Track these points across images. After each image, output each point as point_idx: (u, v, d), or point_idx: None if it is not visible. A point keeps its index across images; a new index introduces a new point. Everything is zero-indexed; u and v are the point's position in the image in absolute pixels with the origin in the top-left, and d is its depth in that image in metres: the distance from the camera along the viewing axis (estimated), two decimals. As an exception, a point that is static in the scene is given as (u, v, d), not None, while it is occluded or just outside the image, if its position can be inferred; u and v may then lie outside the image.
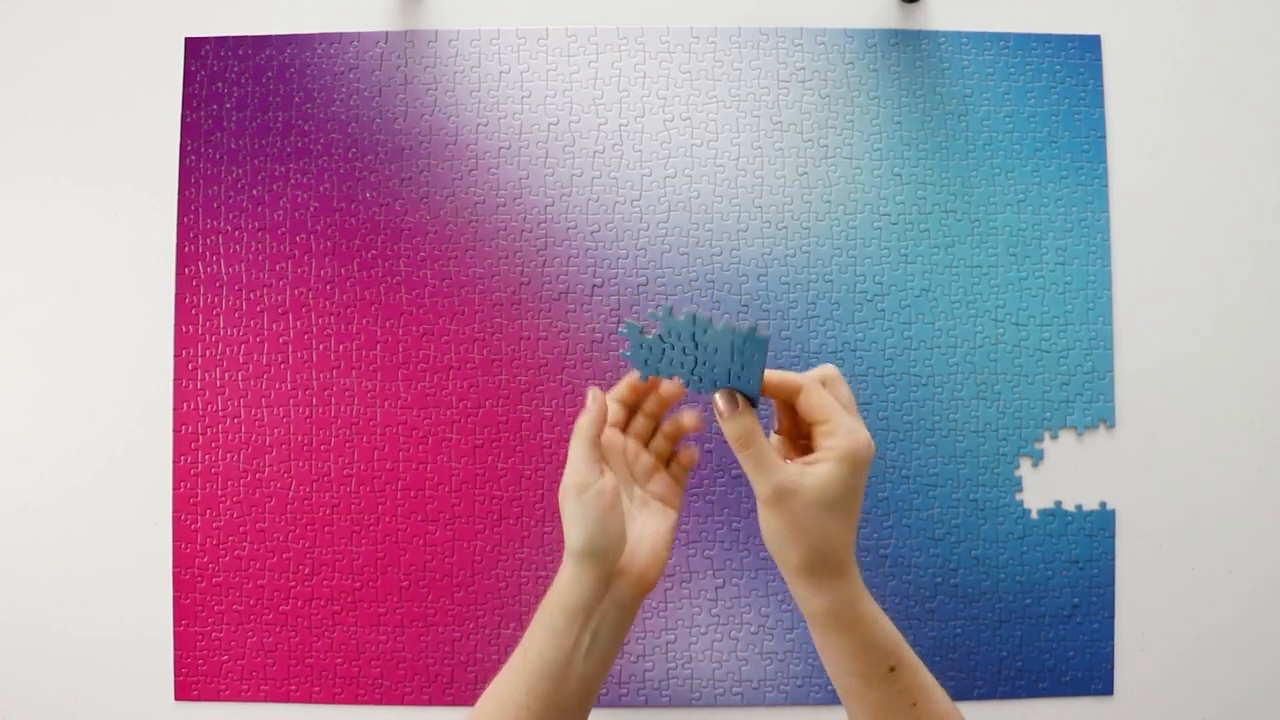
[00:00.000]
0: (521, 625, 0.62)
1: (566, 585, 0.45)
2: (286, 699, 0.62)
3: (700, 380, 0.43)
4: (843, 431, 0.42)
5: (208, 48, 0.64)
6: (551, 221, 0.63)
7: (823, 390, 0.43)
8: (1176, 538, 0.63)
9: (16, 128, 0.64)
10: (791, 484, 0.42)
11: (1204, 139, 0.64)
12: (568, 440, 0.62)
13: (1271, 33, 0.65)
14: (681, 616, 0.62)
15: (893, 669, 0.45)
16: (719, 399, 0.43)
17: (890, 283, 0.63)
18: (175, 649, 0.62)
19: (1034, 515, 0.62)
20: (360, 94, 0.64)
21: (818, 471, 0.42)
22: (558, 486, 0.62)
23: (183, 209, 0.64)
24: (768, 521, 0.43)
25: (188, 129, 0.64)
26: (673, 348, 0.43)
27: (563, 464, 0.62)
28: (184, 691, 0.62)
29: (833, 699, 0.62)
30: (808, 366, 0.62)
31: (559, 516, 0.62)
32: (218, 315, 0.63)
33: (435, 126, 0.64)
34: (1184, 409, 0.63)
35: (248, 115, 0.64)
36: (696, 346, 0.42)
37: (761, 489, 0.42)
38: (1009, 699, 0.62)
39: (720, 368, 0.43)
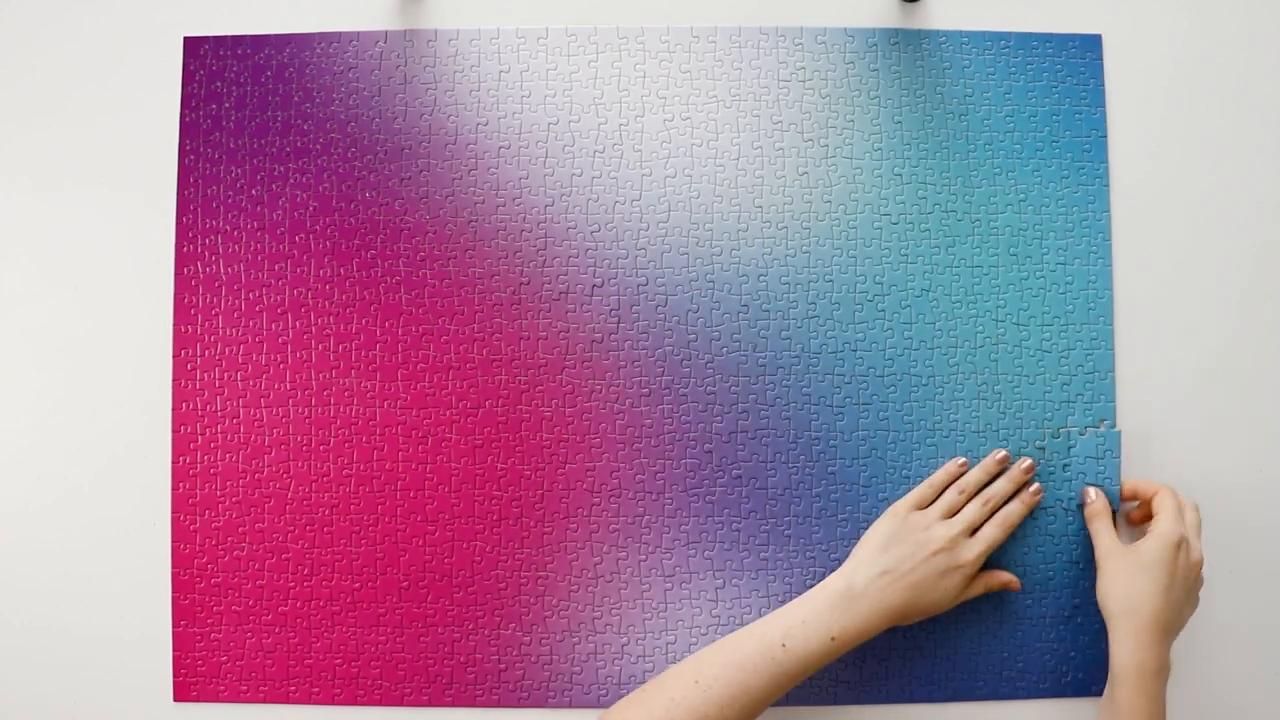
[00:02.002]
0: (522, 625, 0.62)
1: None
2: (286, 700, 0.62)
3: None
4: (1164, 520, 0.58)
5: (207, 47, 0.64)
6: (551, 221, 0.63)
7: (1171, 496, 0.59)
8: (1177, 538, 0.63)
9: (15, 127, 0.64)
10: (1114, 548, 0.59)
11: (1205, 139, 0.64)
12: (568, 440, 0.62)
13: (1272, 33, 0.65)
14: (681, 617, 0.62)
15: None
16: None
17: (890, 283, 0.63)
18: (174, 650, 0.62)
19: (1034, 515, 0.62)
20: (360, 93, 0.64)
21: (1136, 543, 0.58)
22: (558, 486, 0.62)
23: (182, 209, 0.64)
24: (1102, 580, 0.58)
25: (186, 128, 0.64)
26: None
27: (563, 464, 0.62)
28: (183, 692, 0.62)
29: (833, 700, 0.62)
30: (808, 367, 0.63)
31: (558, 517, 0.62)
32: (217, 315, 0.63)
33: (435, 126, 0.64)
34: (1185, 409, 0.63)
35: (247, 115, 0.64)
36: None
37: (1098, 551, 0.59)
38: (1009, 699, 0.62)
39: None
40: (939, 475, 0.61)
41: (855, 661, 0.62)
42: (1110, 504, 0.61)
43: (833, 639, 0.55)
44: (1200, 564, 0.58)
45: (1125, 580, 0.57)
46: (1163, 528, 0.57)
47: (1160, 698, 0.55)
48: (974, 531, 0.59)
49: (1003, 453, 0.62)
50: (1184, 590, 0.57)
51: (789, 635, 0.55)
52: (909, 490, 0.62)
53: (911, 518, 0.59)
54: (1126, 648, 0.56)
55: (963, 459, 0.62)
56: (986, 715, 0.62)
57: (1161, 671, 0.56)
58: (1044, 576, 0.62)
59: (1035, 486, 0.61)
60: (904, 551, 0.58)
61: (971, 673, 0.62)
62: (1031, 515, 0.62)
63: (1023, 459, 0.62)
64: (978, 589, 0.60)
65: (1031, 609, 0.62)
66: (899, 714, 0.62)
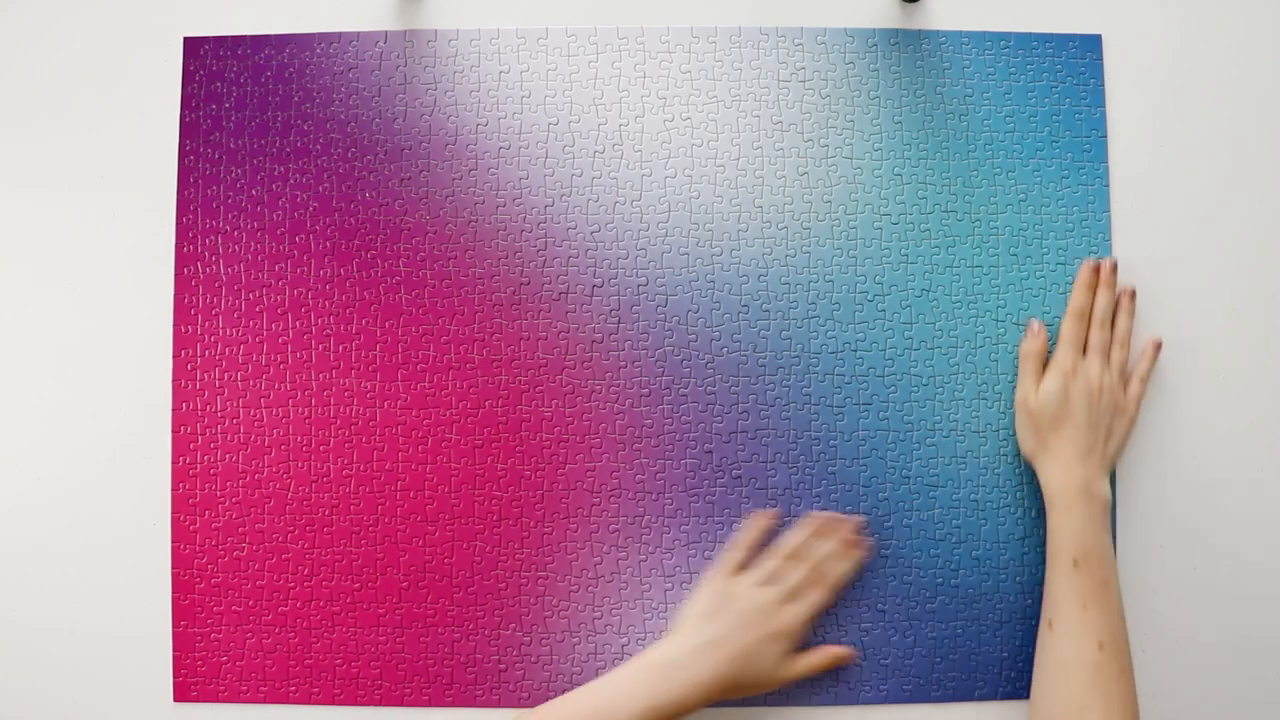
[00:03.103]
0: (522, 625, 0.62)
1: None
2: (286, 700, 0.62)
3: None
4: (1056, 352, 0.61)
5: (207, 47, 0.64)
6: (551, 221, 0.63)
7: (1069, 321, 0.61)
8: (1177, 538, 0.63)
9: (15, 127, 0.64)
10: (1025, 396, 0.61)
11: (1205, 139, 0.64)
12: (568, 440, 0.62)
13: (1271, 33, 0.65)
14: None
15: (1076, 564, 0.56)
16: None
17: (890, 283, 0.63)
18: (174, 650, 0.62)
19: (1034, 515, 0.62)
20: (360, 94, 0.64)
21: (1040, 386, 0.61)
22: (558, 487, 0.62)
23: (181, 209, 0.64)
24: (1018, 429, 0.62)
25: (186, 129, 0.64)
26: None
27: (563, 464, 0.62)
28: (183, 693, 0.62)
29: (833, 700, 0.62)
30: (808, 367, 0.63)
31: (558, 517, 0.62)
32: (217, 315, 0.63)
33: (435, 126, 0.64)
34: (1185, 409, 0.63)
35: (247, 115, 0.64)
36: None
37: (1016, 397, 0.62)
38: (1009, 699, 0.62)
39: None
40: (749, 534, 0.61)
41: (854, 661, 0.62)
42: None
43: (651, 709, 0.54)
44: (1098, 383, 0.59)
45: (1031, 423, 0.60)
46: (1053, 360, 0.60)
47: (1093, 517, 0.57)
48: (798, 596, 0.59)
49: (822, 516, 0.61)
50: (1088, 410, 0.58)
51: (603, 709, 0.54)
52: (908, 490, 0.62)
53: (730, 585, 0.59)
54: (1048, 475, 0.58)
55: (772, 511, 0.61)
56: (987, 715, 0.62)
57: (1087, 491, 0.57)
58: (1043, 577, 0.62)
59: (861, 541, 0.61)
60: (724, 621, 0.57)
61: (971, 673, 0.62)
62: (1032, 516, 0.62)
63: (854, 517, 0.61)
64: (808, 666, 0.59)
65: (1031, 609, 0.62)
66: (899, 714, 0.62)
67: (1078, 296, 0.61)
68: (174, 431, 0.63)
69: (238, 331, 0.63)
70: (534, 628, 0.62)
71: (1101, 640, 0.54)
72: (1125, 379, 0.61)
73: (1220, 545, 0.63)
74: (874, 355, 0.63)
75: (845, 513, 0.62)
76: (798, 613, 0.59)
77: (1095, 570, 0.56)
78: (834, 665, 0.60)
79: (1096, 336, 0.61)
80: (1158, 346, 0.62)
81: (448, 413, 0.63)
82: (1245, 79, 0.65)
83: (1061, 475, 0.58)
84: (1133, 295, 0.62)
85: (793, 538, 0.61)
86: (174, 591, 0.62)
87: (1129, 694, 0.54)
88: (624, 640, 0.62)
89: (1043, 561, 0.62)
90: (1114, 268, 0.62)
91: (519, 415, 0.62)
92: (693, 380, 0.63)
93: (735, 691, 0.57)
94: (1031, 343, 0.61)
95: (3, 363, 0.64)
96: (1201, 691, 0.62)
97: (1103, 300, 0.61)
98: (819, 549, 0.60)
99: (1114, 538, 0.62)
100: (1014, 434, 0.62)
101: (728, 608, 0.58)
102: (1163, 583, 0.63)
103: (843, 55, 0.64)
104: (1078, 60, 0.64)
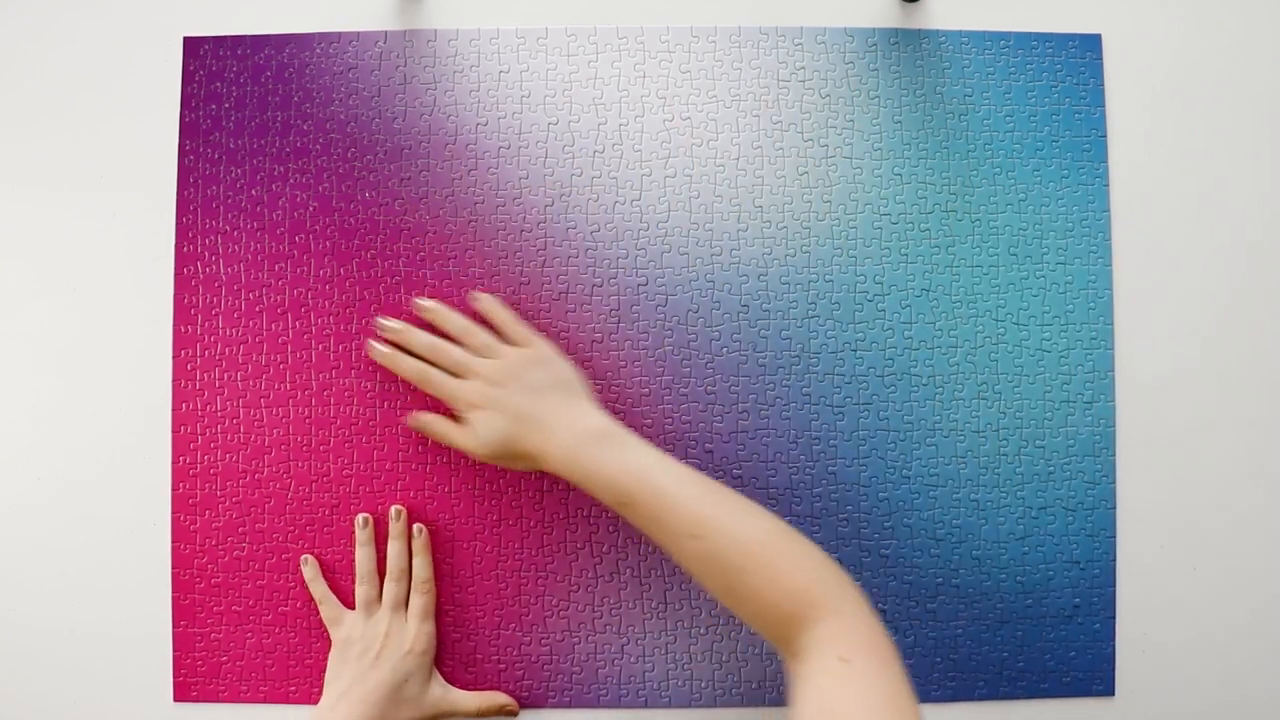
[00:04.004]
0: (521, 626, 0.62)
1: None
2: (286, 700, 0.62)
3: None
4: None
5: (206, 47, 0.64)
6: (551, 221, 0.63)
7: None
8: (1177, 538, 0.63)
9: (15, 127, 0.64)
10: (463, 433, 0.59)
11: (1205, 138, 0.64)
12: (567, 440, 0.62)
13: (1271, 33, 0.65)
14: (681, 618, 0.62)
15: (624, 505, 0.52)
16: None
17: (890, 283, 0.63)
18: (174, 650, 0.62)
19: (1034, 515, 0.62)
20: (360, 93, 0.64)
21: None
22: (558, 487, 0.62)
23: (181, 209, 0.64)
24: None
25: (186, 129, 0.64)
26: None
27: (562, 464, 0.62)
28: (183, 692, 0.62)
29: (833, 699, 0.62)
30: (808, 367, 0.63)
31: (558, 517, 0.62)
32: (217, 315, 0.63)
33: (435, 126, 0.64)
34: (1185, 408, 0.63)
35: (247, 115, 0.64)
36: None
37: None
38: (1010, 700, 0.62)
39: None
40: (318, 590, 0.61)
41: (515, 716, 0.62)
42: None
43: None
44: (502, 376, 0.56)
45: (496, 451, 0.57)
46: (463, 406, 0.57)
47: (602, 452, 0.53)
48: (400, 608, 0.60)
49: (365, 518, 0.61)
50: (521, 397, 0.55)
51: None
52: (908, 490, 0.62)
53: (340, 639, 0.59)
54: (550, 467, 0.55)
55: (309, 556, 0.61)
56: (986, 715, 0.62)
57: (573, 450, 0.53)
58: (1044, 576, 0.62)
59: (418, 528, 0.61)
60: (350, 668, 0.58)
61: (971, 673, 0.62)
62: (1032, 516, 0.62)
63: (394, 510, 0.61)
64: (470, 705, 0.60)
65: (1031, 609, 0.62)
66: (899, 714, 0.62)
67: (406, 369, 0.60)
68: (174, 431, 0.63)
69: (238, 331, 0.63)
70: (534, 628, 0.62)
71: (694, 533, 0.50)
72: (501, 352, 0.58)
73: (1220, 545, 0.63)
74: (874, 355, 0.63)
75: (845, 513, 0.62)
76: (411, 624, 0.59)
77: (635, 493, 0.52)
78: (499, 713, 0.60)
79: (457, 354, 0.58)
80: (489, 300, 0.60)
81: (448, 413, 0.62)
82: (1245, 79, 0.65)
83: (551, 460, 0.55)
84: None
85: (364, 565, 0.61)
86: (174, 591, 0.62)
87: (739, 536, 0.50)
88: (624, 640, 0.62)
89: (1044, 561, 0.62)
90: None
91: (519, 415, 0.62)
92: (693, 380, 0.63)
93: None
94: (436, 426, 0.60)
95: (3, 363, 0.64)
96: (1201, 691, 0.62)
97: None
98: (394, 553, 0.61)
99: (1114, 540, 0.62)
100: (1013, 434, 0.62)
101: (349, 652, 0.59)
102: (1163, 583, 0.63)
103: (843, 55, 0.64)
104: (1077, 60, 0.64)
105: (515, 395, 0.56)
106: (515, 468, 0.59)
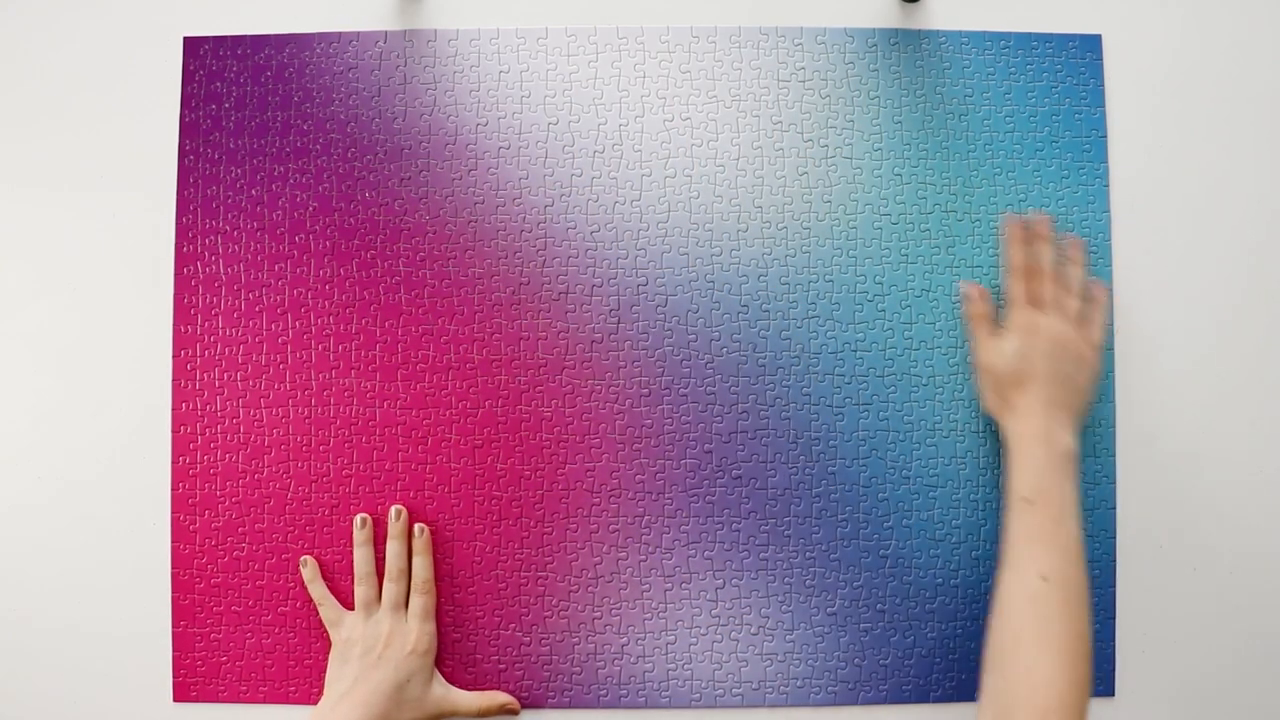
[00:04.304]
0: (521, 626, 0.62)
1: None
2: (286, 700, 0.62)
3: None
4: (1013, 313, 0.61)
5: (206, 47, 0.64)
6: (551, 221, 0.63)
7: (1017, 280, 0.61)
8: (1177, 538, 0.63)
9: (15, 127, 0.64)
10: (984, 350, 0.61)
11: (1205, 139, 0.64)
12: (568, 440, 0.62)
13: (1271, 33, 0.65)
14: (681, 618, 0.62)
15: (1027, 501, 0.55)
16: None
17: (890, 283, 0.63)
18: (174, 650, 0.62)
19: (1034, 515, 0.62)
20: (359, 94, 0.64)
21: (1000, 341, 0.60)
22: (558, 487, 0.62)
23: (181, 209, 0.64)
24: (980, 388, 0.62)
25: (186, 129, 0.64)
26: None
27: (563, 464, 0.62)
28: (182, 693, 0.62)
29: (833, 700, 0.62)
30: (808, 367, 0.63)
31: (558, 517, 0.62)
32: (216, 315, 0.63)
33: (435, 126, 0.64)
34: (1185, 408, 0.63)
35: (247, 115, 0.64)
36: None
37: (973, 357, 0.62)
38: (1009, 699, 0.62)
39: None
40: (317, 591, 0.61)
41: (853, 661, 0.62)
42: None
43: None
44: (1058, 337, 0.58)
45: (992, 384, 0.60)
46: (1010, 320, 0.60)
47: (1054, 464, 0.55)
48: (401, 608, 0.60)
49: (363, 518, 0.61)
50: (1054, 366, 0.58)
51: None
52: (908, 490, 0.62)
53: (340, 639, 0.59)
54: (1010, 427, 0.58)
55: (308, 557, 0.61)
56: (986, 715, 0.62)
57: (1047, 439, 0.56)
58: (1044, 576, 0.62)
59: (419, 528, 0.61)
60: (352, 665, 0.58)
61: (971, 673, 0.62)
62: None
63: (398, 511, 0.61)
64: (472, 704, 0.60)
65: (1031, 609, 0.62)
66: (898, 714, 0.62)
67: (1016, 253, 0.61)
68: (174, 431, 0.63)
69: (238, 331, 0.63)
70: (534, 628, 0.62)
71: (1044, 573, 0.52)
72: (1085, 328, 0.61)
73: (1220, 545, 0.63)
74: (874, 355, 0.63)
75: (845, 513, 0.62)
76: (412, 625, 0.59)
77: (1048, 509, 0.54)
78: (500, 712, 0.60)
79: (1050, 290, 0.60)
80: (1106, 292, 0.62)
81: (448, 413, 0.63)
82: (1245, 79, 0.65)
83: (1022, 426, 0.57)
84: (1082, 245, 0.62)
85: (362, 566, 0.61)
86: (173, 591, 0.62)
87: (1073, 631, 0.51)
88: (624, 640, 0.62)
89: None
90: (1046, 221, 0.61)
91: (519, 415, 0.62)
92: (693, 380, 0.63)
93: None
94: (979, 305, 0.61)
95: (3, 363, 0.64)
96: (1201, 691, 0.62)
97: (1047, 254, 0.61)
98: (393, 553, 0.61)
99: (1113, 540, 0.62)
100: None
101: (350, 653, 0.59)
102: (1163, 583, 0.63)
103: (843, 55, 0.64)
104: (1078, 60, 0.64)
105: (1048, 366, 0.58)
106: (982, 394, 0.61)
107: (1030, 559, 0.53)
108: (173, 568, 0.62)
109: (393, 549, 0.61)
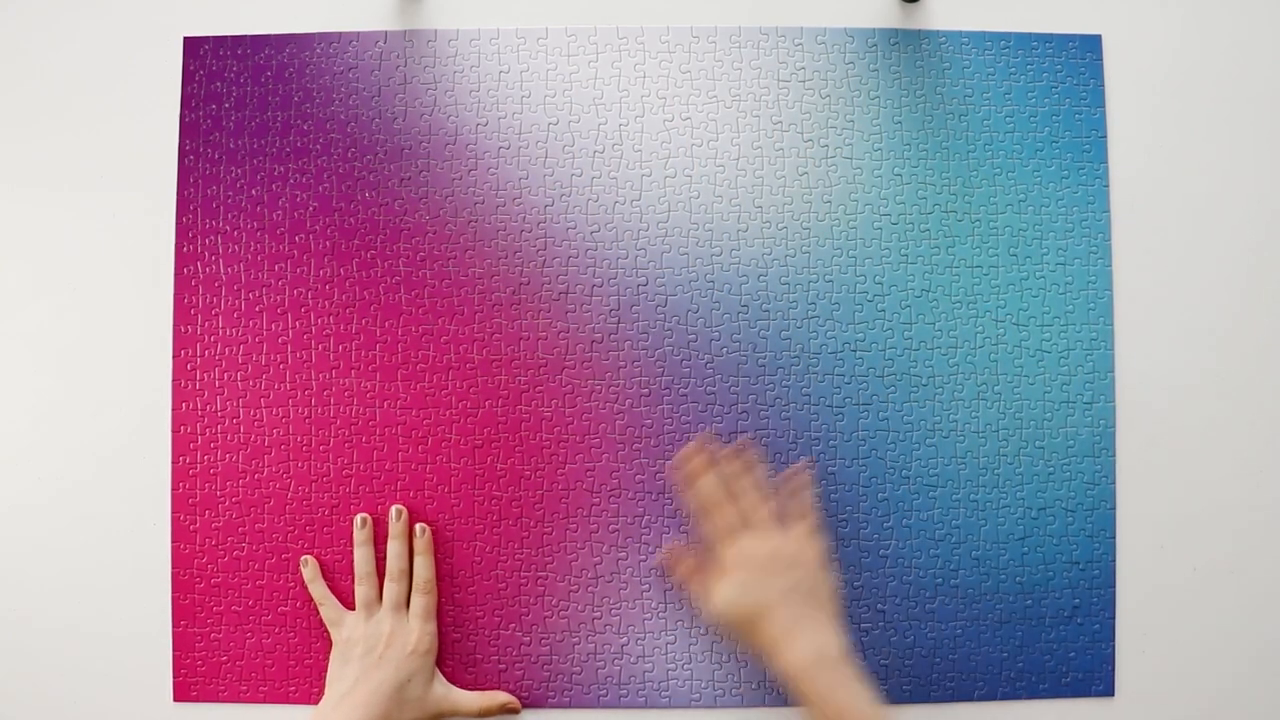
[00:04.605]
0: (522, 626, 0.62)
1: None
2: (286, 700, 0.62)
3: None
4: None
5: (206, 47, 0.64)
6: (551, 221, 0.63)
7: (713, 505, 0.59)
8: (1177, 538, 0.63)
9: (15, 127, 0.64)
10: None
11: (1204, 139, 0.64)
12: (568, 440, 0.62)
13: (1271, 33, 0.65)
14: (681, 618, 0.62)
15: None
16: None
17: (890, 283, 0.63)
18: (174, 650, 0.62)
19: (1034, 515, 0.62)
20: (359, 94, 0.64)
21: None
22: (558, 487, 0.62)
23: (181, 209, 0.64)
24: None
25: (186, 129, 0.64)
26: None
27: (563, 464, 0.62)
28: (182, 692, 0.62)
29: (833, 700, 0.62)
30: (808, 367, 0.63)
31: (558, 517, 0.62)
32: (216, 315, 0.63)
33: (435, 126, 0.64)
34: (1185, 409, 0.63)
35: (247, 115, 0.64)
36: None
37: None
38: (1010, 700, 0.62)
39: None
40: (318, 590, 0.61)
41: (854, 661, 0.62)
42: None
43: None
44: (768, 551, 0.56)
45: (735, 623, 0.57)
46: (719, 559, 0.58)
47: (846, 682, 0.53)
48: (402, 608, 0.60)
49: (364, 518, 0.61)
50: (775, 577, 0.56)
51: None
52: (907, 490, 0.62)
53: (341, 639, 0.59)
54: (777, 663, 0.55)
55: (309, 557, 0.61)
56: (986, 715, 0.62)
57: (819, 661, 0.54)
58: (1044, 577, 0.62)
59: (420, 528, 0.61)
60: (353, 666, 0.58)
61: (970, 673, 0.62)
62: (1031, 516, 0.62)
63: (398, 510, 0.61)
64: (473, 704, 0.60)
65: (1031, 609, 0.62)
66: (899, 714, 0.62)
67: (690, 495, 0.60)
68: (174, 431, 0.63)
69: (238, 331, 0.63)
70: (534, 628, 0.62)
71: None
72: (792, 524, 0.59)
73: (1220, 545, 0.63)
74: (874, 355, 0.63)
75: (845, 513, 0.62)
76: (414, 625, 0.59)
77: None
78: (500, 712, 0.60)
79: (734, 513, 0.58)
80: (804, 468, 0.61)
81: (448, 413, 0.63)
82: (1245, 79, 0.65)
83: (791, 659, 0.54)
84: (744, 446, 0.60)
85: (363, 566, 0.61)
86: (174, 591, 0.62)
87: None
88: (624, 640, 0.62)
89: (1043, 561, 0.62)
90: (701, 443, 0.60)
91: (519, 415, 0.62)
92: (693, 380, 0.63)
93: None
94: (683, 565, 0.60)
95: (3, 363, 0.64)
96: (1202, 691, 0.62)
97: (712, 480, 0.59)
98: (394, 554, 0.61)
99: (1113, 541, 0.62)
100: (1013, 434, 0.62)
101: (352, 653, 0.59)
102: (1163, 583, 0.63)
103: (843, 55, 0.64)
104: (1078, 60, 0.64)
105: (774, 587, 0.55)
106: (736, 644, 0.60)
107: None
108: (173, 568, 0.62)
109: (393, 549, 0.61)
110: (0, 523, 0.63)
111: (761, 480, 0.60)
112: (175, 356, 0.63)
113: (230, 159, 0.64)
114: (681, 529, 0.62)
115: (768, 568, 0.56)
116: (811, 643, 0.54)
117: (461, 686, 0.62)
